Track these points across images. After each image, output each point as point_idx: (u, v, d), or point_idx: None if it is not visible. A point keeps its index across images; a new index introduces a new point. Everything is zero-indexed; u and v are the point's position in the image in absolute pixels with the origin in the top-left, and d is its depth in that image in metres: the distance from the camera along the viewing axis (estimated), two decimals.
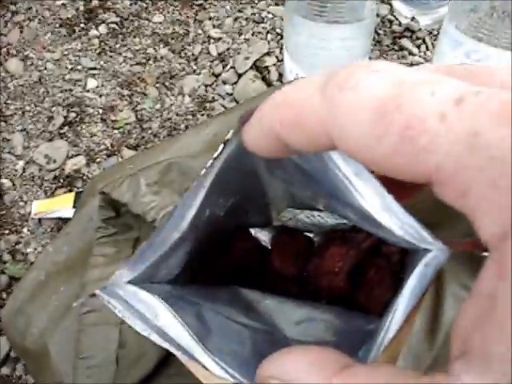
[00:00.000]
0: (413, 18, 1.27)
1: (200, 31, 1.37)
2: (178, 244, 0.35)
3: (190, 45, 1.35)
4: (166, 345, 0.31)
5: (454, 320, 0.17)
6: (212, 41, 1.35)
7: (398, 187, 0.31)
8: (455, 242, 0.29)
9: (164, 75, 1.31)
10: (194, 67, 1.31)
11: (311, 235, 0.55)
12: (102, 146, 1.22)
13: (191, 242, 0.38)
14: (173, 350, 0.31)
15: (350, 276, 0.50)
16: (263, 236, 0.55)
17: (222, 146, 0.31)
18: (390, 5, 1.31)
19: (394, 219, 0.31)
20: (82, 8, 1.42)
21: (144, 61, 1.33)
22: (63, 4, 1.43)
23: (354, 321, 0.42)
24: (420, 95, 0.16)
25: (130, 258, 0.34)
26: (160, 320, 0.32)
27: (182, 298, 0.35)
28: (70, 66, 1.34)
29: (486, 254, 0.17)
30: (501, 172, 0.15)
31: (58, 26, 1.40)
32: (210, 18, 1.37)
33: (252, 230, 0.54)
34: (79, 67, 1.33)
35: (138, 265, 0.34)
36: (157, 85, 1.29)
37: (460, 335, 0.17)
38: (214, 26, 1.37)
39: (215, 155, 0.32)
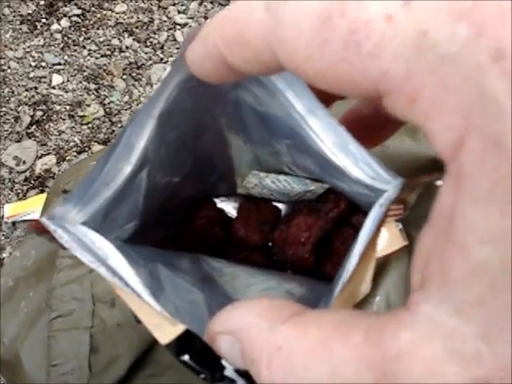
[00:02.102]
0: None
1: (165, 18, 1.34)
2: (131, 181, 0.33)
3: (155, 33, 1.32)
4: (114, 279, 0.29)
5: (414, 250, 0.16)
6: (178, 27, 1.32)
7: (365, 133, 0.30)
8: (412, 178, 0.29)
9: (131, 66, 1.28)
10: (161, 55, 1.28)
11: (279, 205, 0.54)
12: (72, 143, 1.20)
13: (145, 188, 0.36)
14: (120, 285, 0.29)
15: (316, 247, 0.49)
16: (227, 207, 0.54)
17: (168, 68, 0.29)
18: None
19: (350, 157, 0.31)
20: (42, 2, 1.38)
21: (109, 52, 1.30)
22: (23, 0, 1.39)
23: (318, 289, 0.42)
24: None
25: (78, 189, 0.31)
26: (110, 261, 0.30)
27: (136, 253, 0.33)
28: (33, 64, 1.30)
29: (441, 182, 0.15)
30: (451, 71, 0.14)
31: (18, 22, 1.36)
32: (174, 4, 1.34)
33: (217, 201, 0.53)
34: (43, 64, 1.30)
35: (89, 201, 0.31)
36: (124, 76, 1.27)
37: (419, 265, 0.16)
38: (178, 12, 1.34)
39: (162, 77, 0.30)
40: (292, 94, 0.32)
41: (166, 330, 0.30)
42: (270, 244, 0.53)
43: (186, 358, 0.30)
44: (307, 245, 0.50)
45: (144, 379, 0.62)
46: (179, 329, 0.29)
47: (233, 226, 0.53)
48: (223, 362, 0.29)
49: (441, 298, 0.15)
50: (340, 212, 0.52)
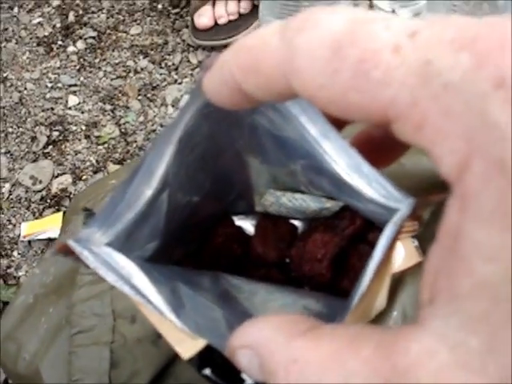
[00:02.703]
0: (393, 11, 1.26)
1: (179, 40, 1.36)
2: (152, 204, 0.34)
3: (169, 54, 1.34)
4: (137, 297, 0.30)
5: (422, 268, 0.17)
6: (191, 49, 1.34)
7: (376, 154, 0.31)
8: (424, 196, 0.30)
9: (145, 87, 1.30)
10: (175, 77, 1.30)
11: (295, 222, 0.54)
12: (88, 163, 1.21)
13: (166, 209, 0.37)
14: (143, 302, 0.30)
15: (333, 263, 0.50)
16: (246, 225, 0.55)
17: (186, 96, 0.31)
18: (370, 0, 1.31)
19: (363, 178, 0.32)
20: (58, 25, 1.40)
21: (124, 74, 1.32)
22: (39, 23, 1.42)
23: (334, 305, 0.42)
24: (375, 29, 0.16)
25: (101, 212, 0.33)
26: (133, 279, 0.31)
27: (157, 272, 0.34)
28: (49, 85, 1.32)
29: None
30: (454, 99, 0.14)
31: (35, 44, 1.39)
32: (187, 26, 1.36)
33: (235, 218, 0.54)
34: (59, 85, 1.32)
35: (113, 223, 0.33)
36: (139, 97, 1.28)
37: (428, 282, 0.16)
38: (192, 34, 1.36)
39: (180, 107, 0.31)
40: (306, 118, 0.33)
41: (187, 345, 0.30)
42: (287, 261, 0.54)
43: (208, 372, 0.31)
44: (324, 261, 0.51)
45: None
46: (200, 343, 0.30)
47: (251, 243, 0.54)
48: (243, 376, 0.29)
49: (448, 312, 0.15)
50: (356, 229, 0.52)
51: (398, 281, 0.63)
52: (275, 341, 0.19)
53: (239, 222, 0.56)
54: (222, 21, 1.28)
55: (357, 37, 0.16)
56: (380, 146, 0.30)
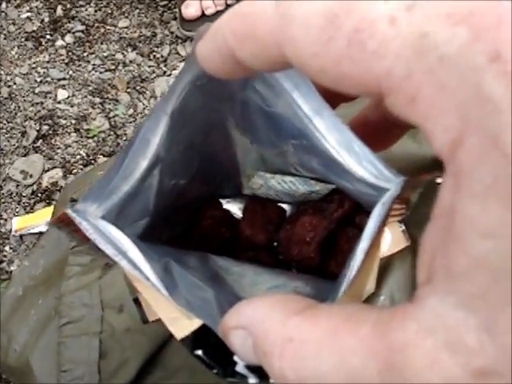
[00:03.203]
0: None
1: (167, 32, 1.36)
2: (145, 177, 0.34)
3: (158, 47, 1.34)
4: (135, 272, 0.30)
5: (419, 248, 0.17)
6: (180, 41, 1.34)
7: (372, 138, 0.30)
8: (414, 176, 0.30)
9: (135, 79, 1.29)
10: (164, 69, 1.30)
11: (284, 206, 0.55)
12: (78, 157, 1.21)
13: (156, 187, 0.37)
14: (141, 278, 0.30)
15: (321, 246, 0.50)
16: (233, 208, 0.55)
17: (181, 64, 0.31)
18: None
19: (353, 156, 0.31)
20: (46, 19, 1.40)
21: (113, 67, 1.32)
22: (28, 17, 1.41)
23: (323, 288, 0.42)
24: (372, 1, 0.16)
25: (97, 185, 0.32)
26: (130, 254, 0.31)
27: (150, 249, 0.34)
28: (39, 79, 1.32)
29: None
30: (449, 73, 0.14)
31: (24, 39, 1.38)
32: (175, 18, 1.36)
33: (222, 202, 0.54)
34: (48, 79, 1.32)
35: (108, 196, 0.33)
36: (128, 90, 1.28)
37: (425, 261, 0.16)
38: (181, 26, 1.35)
39: (175, 76, 0.31)
40: (298, 94, 0.33)
41: (182, 325, 0.30)
42: (275, 244, 0.54)
43: (200, 352, 0.31)
44: (312, 244, 0.51)
45: (153, 383, 0.62)
46: (195, 324, 0.30)
47: (239, 226, 0.54)
48: (235, 358, 0.29)
49: (446, 291, 0.15)
50: (344, 212, 0.52)
51: (386, 265, 0.63)
52: (270, 320, 0.19)
53: (226, 205, 0.56)
54: (209, 11, 1.28)
55: (353, 7, 0.16)
56: (376, 130, 0.30)
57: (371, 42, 0.15)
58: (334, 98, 0.30)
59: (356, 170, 0.32)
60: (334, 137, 0.32)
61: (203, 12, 1.28)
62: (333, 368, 0.16)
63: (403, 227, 0.58)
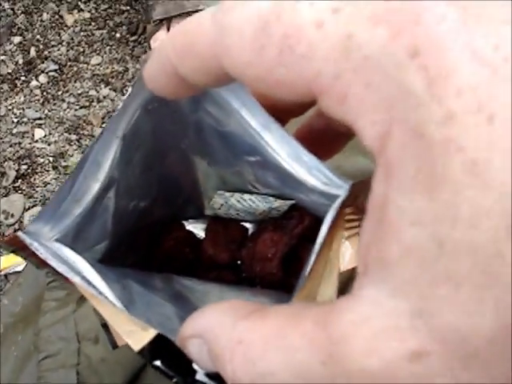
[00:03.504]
0: None
1: (138, 66, 1.39)
2: (99, 200, 0.34)
3: (130, 81, 1.37)
4: (89, 289, 0.30)
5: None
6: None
7: (318, 146, 0.31)
8: (364, 180, 0.30)
9: (109, 114, 1.32)
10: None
11: (246, 225, 0.55)
12: None
13: (113, 209, 0.37)
14: (95, 293, 0.30)
15: (283, 262, 0.50)
16: (196, 229, 0.55)
17: (130, 88, 0.31)
18: None
19: (303, 166, 0.32)
20: (20, 61, 1.43)
21: (87, 103, 1.34)
22: (2, 60, 1.44)
23: (287, 301, 0.42)
24: (299, 6, 0.16)
25: (48, 207, 0.32)
26: (85, 274, 0.31)
27: (108, 271, 0.34)
28: (15, 120, 1.35)
29: None
30: (373, 70, 0.15)
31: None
32: (146, 52, 1.39)
33: (185, 223, 0.54)
34: (25, 119, 1.34)
35: (61, 218, 0.32)
36: (103, 125, 1.30)
37: (362, 252, 0.17)
38: None
39: (125, 97, 0.31)
40: (246, 111, 0.33)
41: (138, 336, 0.30)
42: (238, 262, 0.54)
43: (158, 363, 0.31)
44: (274, 260, 0.50)
45: None
46: (151, 334, 0.30)
47: (202, 246, 0.53)
48: (194, 367, 0.29)
49: (380, 280, 0.15)
50: (304, 228, 0.52)
51: (350, 278, 0.64)
52: (221, 325, 0.19)
53: (189, 226, 0.55)
54: None
55: (282, 13, 0.16)
56: (322, 138, 0.31)
57: (300, 46, 0.16)
58: (282, 113, 0.31)
59: (307, 180, 0.32)
60: (284, 149, 0.33)
61: None
62: (280, 366, 0.17)
63: None
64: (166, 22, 1.30)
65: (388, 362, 0.15)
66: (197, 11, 1.27)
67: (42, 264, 0.32)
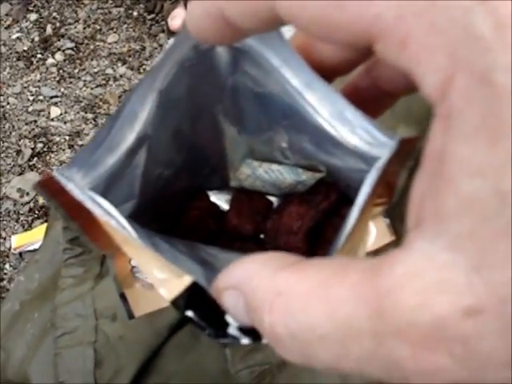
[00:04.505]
0: None
1: (156, 45, 1.37)
2: (133, 152, 0.34)
3: (147, 60, 1.35)
4: (124, 232, 0.29)
5: (409, 195, 0.16)
6: None
7: (363, 106, 0.30)
8: (412, 137, 0.29)
9: (126, 93, 1.31)
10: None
11: (271, 198, 0.55)
12: None
13: (143, 168, 0.36)
14: (131, 236, 0.29)
15: (307, 236, 0.50)
16: (220, 201, 0.55)
17: (170, 40, 0.30)
18: None
19: (346, 125, 0.31)
20: (36, 39, 1.42)
21: (104, 82, 1.33)
22: (18, 37, 1.43)
23: None
24: None
25: (82, 153, 0.31)
26: (119, 219, 0.30)
27: (138, 227, 0.32)
28: (31, 98, 1.34)
29: None
30: (439, 14, 0.14)
31: (15, 59, 1.40)
32: (163, 31, 1.37)
33: (209, 193, 0.54)
34: (41, 97, 1.33)
35: (94, 166, 0.31)
36: (119, 104, 1.29)
37: (414, 207, 0.16)
38: (168, 38, 1.37)
39: (165, 49, 0.31)
40: (287, 69, 0.32)
41: (171, 284, 0.30)
42: (262, 236, 0.54)
43: (191, 313, 0.30)
44: (299, 234, 0.50)
45: None
46: (185, 281, 0.29)
47: (226, 216, 0.53)
48: (227, 319, 0.28)
49: (434, 233, 0.15)
50: (330, 204, 0.52)
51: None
52: (259, 277, 0.19)
53: (213, 197, 0.55)
54: None
55: None
56: (367, 97, 0.30)
57: None
58: (327, 71, 0.30)
59: (349, 140, 0.31)
60: (326, 108, 0.32)
61: None
62: (322, 319, 0.16)
63: (388, 221, 0.59)
64: None
65: (440, 317, 0.14)
66: None
67: (73, 214, 0.31)
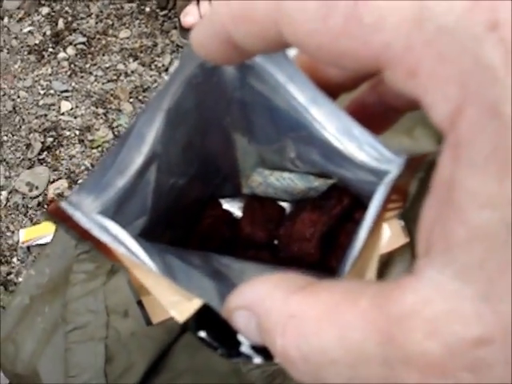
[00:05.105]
0: None
1: (168, 41, 1.37)
2: (142, 174, 0.34)
3: (159, 56, 1.35)
4: (133, 257, 0.29)
5: (418, 221, 0.16)
6: (180, 50, 1.35)
7: (369, 121, 0.30)
8: (419, 155, 0.29)
9: (137, 89, 1.30)
10: (166, 78, 1.31)
11: (283, 205, 0.55)
12: (83, 167, 1.22)
13: (154, 185, 0.36)
14: (139, 262, 0.29)
15: (321, 242, 0.49)
16: (232, 208, 0.55)
17: (177, 61, 0.30)
18: None
19: (353, 141, 0.31)
20: (48, 32, 1.42)
21: (115, 77, 1.33)
22: (30, 31, 1.43)
23: None
24: None
25: (91, 178, 0.31)
26: (128, 244, 0.30)
27: (148, 245, 0.33)
28: (42, 92, 1.33)
29: None
30: (449, 43, 0.14)
31: (26, 53, 1.40)
32: (176, 28, 1.37)
33: (222, 201, 0.54)
34: (51, 91, 1.33)
35: (104, 189, 0.32)
36: (130, 100, 1.29)
37: (423, 234, 0.16)
38: (181, 35, 1.37)
39: (170, 74, 0.31)
40: (293, 86, 0.33)
41: (183, 307, 0.30)
42: (275, 242, 0.54)
43: (203, 334, 0.30)
44: (312, 240, 0.50)
45: None
46: (195, 304, 0.29)
47: (239, 224, 0.53)
48: (240, 338, 0.29)
49: (444, 262, 0.15)
50: (343, 208, 0.52)
51: (385, 262, 0.63)
52: (272, 298, 0.18)
53: (225, 205, 0.55)
54: None
55: None
56: (373, 113, 0.30)
57: (369, 16, 0.15)
58: (332, 88, 0.30)
59: (357, 156, 0.31)
60: (332, 124, 0.32)
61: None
62: (334, 343, 0.16)
63: (402, 223, 0.58)
64: None
65: (449, 347, 0.14)
66: None
67: (83, 236, 0.31)
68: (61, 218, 0.30)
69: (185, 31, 1.30)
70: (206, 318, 0.30)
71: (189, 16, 1.28)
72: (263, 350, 0.28)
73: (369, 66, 0.16)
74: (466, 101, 0.14)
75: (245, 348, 0.29)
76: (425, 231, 0.16)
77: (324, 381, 0.17)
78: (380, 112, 0.30)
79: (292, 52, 0.32)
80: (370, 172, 0.32)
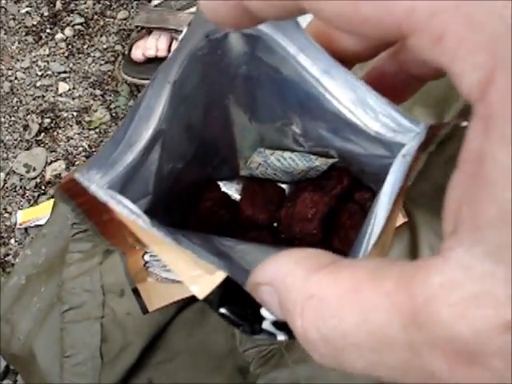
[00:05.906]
0: None
1: None
2: (149, 149, 0.34)
3: None
4: (153, 230, 0.29)
5: (445, 198, 0.16)
6: (179, 31, 1.34)
7: (389, 91, 0.29)
8: (436, 124, 0.28)
9: None
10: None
11: (283, 186, 0.54)
12: (80, 149, 1.21)
13: (157, 164, 0.36)
14: (161, 236, 0.29)
15: (323, 222, 0.49)
16: (230, 190, 0.54)
17: (184, 28, 0.30)
18: None
19: (369, 112, 0.30)
20: (46, 13, 1.40)
21: (113, 58, 1.32)
22: (27, 12, 1.42)
23: None
24: None
25: (101, 154, 0.31)
26: (143, 218, 0.29)
27: (157, 223, 0.32)
28: (40, 73, 1.33)
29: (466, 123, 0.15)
30: (476, 7, 0.13)
31: (24, 34, 1.38)
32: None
33: (219, 184, 0.54)
34: (49, 72, 1.32)
35: (112, 165, 0.31)
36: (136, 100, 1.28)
37: (451, 211, 0.15)
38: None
39: (179, 39, 0.31)
40: (304, 57, 0.32)
41: (204, 281, 0.29)
42: (275, 224, 0.54)
43: (224, 310, 0.29)
44: (314, 221, 0.49)
45: (155, 365, 0.63)
46: (219, 277, 0.28)
47: (239, 207, 0.53)
48: (262, 313, 0.28)
49: (472, 242, 0.14)
50: (343, 188, 0.51)
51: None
52: (292, 277, 0.18)
53: (223, 187, 0.55)
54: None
55: None
56: (393, 82, 0.29)
57: None
58: (347, 58, 0.29)
59: (372, 127, 0.30)
60: (346, 95, 0.31)
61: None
62: (354, 326, 0.16)
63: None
64: (147, 30, 1.21)
65: (478, 331, 0.14)
66: (176, 31, 1.18)
67: (89, 214, 0.31)
68: (72, 193, 0.29)
69: (131, 65, 1.22)
70: (228, 293, 0.29)
71: (140, 49, 1.21)
72: (286, 327, 0.28)
73: (391, 33, 0.15)
74: (496, 69, 0.13)
75: (266, 325, 0.29)
76: (452, 209, 0.15)
77: (346, 364, 0.17)
78: (401, 81, 0.29)
79: (304, 22, 0.31)
80: (382, 145, 0.31)
